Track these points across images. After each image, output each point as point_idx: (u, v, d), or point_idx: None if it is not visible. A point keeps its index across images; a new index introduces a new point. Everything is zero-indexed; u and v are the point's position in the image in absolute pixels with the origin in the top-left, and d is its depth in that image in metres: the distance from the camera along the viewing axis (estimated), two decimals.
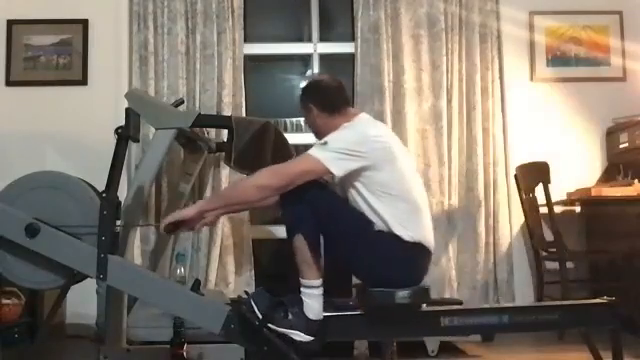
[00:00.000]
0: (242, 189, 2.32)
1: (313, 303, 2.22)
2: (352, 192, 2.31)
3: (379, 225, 2.26)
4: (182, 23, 3.98)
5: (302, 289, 2.24)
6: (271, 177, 2.23)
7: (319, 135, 2.46)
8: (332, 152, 2.23)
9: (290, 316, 2.20)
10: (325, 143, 2.26)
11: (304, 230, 2.22)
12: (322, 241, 2.28)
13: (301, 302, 2.22)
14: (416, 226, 2.29)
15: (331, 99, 2.47)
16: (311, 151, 2.26)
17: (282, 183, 2.21)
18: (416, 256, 2.31)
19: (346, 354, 3.24)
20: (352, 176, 2.26)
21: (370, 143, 2.28)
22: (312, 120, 2.49)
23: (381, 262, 2.26)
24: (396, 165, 2.30)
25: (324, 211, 2.24)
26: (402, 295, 2.23)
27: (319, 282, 2.24)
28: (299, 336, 2.19)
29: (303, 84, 2.63)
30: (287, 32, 4.58)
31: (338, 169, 2.22)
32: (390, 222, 2.25)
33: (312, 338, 2.19)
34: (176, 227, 2.29)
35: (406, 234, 2.25)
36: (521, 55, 4.14)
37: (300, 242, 2.22)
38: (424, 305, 2.39)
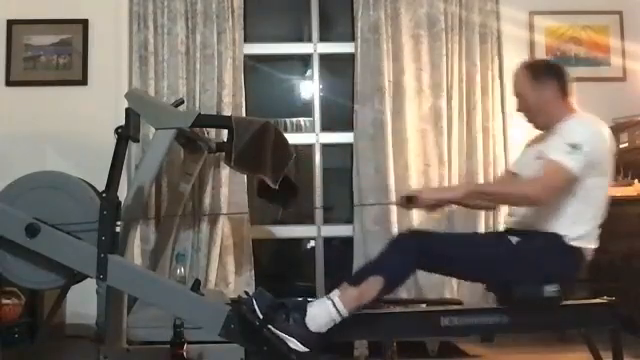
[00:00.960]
0: (515, 195, 2.32)
1: (322, 318, 2.15)
2: None
3: (543, 224, 2.27)
4: (182, 23, 3.97)
5: (325, 300, 2.18)
6: (543, 192, 2.21)
7: (530, 112, 2.46)
8: (582, 157, 2.22)
9: (291, 321, 2.16)
10: (575, 147, 2.22)
11: (390, 279, 2.18)
12: None
13: (304, 310, 2.17)
14: (592, 234, 2.31)
15: (569, 85, 2.47)
16: (565, 160, 2.21)
17: (550, 198, 2.22)
18: (574, 259, 2.31)
19: (346, 354, 3.24)
20: None
21: (603, 143, 2.30)
22: (538, 96, 2.42)
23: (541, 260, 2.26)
24: (605, 170, 2.33)
25: (447, 248, 2.26)
26: (550, 289, 2.25)
27: (347, 313, 2.17)
28: (295, 344, 2.13)
29: (544, 60, 2.68)
30: (287, 32, 4.58)
31: (579, 171, 2.22)
32: (567, 223, 2.26)
33: (307, 350, 2.13)
34: (439, 205, 2.36)
35: (576, 238, 2.26)
36: (521, 55, 4.12)
37: (376, 283, 2.16)
38: (423, 305, 2.38)
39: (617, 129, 3.98)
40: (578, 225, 2.28)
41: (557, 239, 2.26)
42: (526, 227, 2.36)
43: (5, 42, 3.98)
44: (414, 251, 2.20)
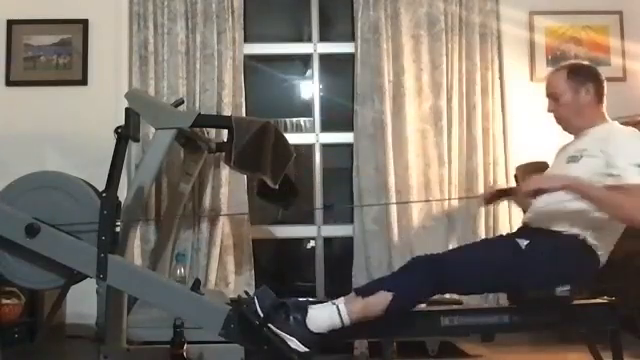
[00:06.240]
0: (630, 207, 2.21)
1: (324, 321, 2.14)
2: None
3: (564, 225, 2.27)
4: (182, 23, 3.97)
5: (329, 304, 2.17)
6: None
7: (565, 118, 2.42)
8: None
9: (291, 320, 2.14)
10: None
11: (400, 297, 2.14)
12: None
13: (305, 310, 2.16)
14: (610, 241, 2.34)
15: (604, 91, 2.43)
16: None
17: None
18: (591, 258, 2.32)
19: (346, 354, 3.24)
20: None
21: None
22: (574, 100, 2.40)
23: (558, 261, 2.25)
24: None
25: (461, 269, 2.21)
26: (562, 289, 2.25)
27: (349, 322, 2.15)
28: (295, 344, 2.11)
29: (578, 63, 2.55)
30: (287, 32, 4.58)
31: None
32: (590, 227, 2.27)
33: (307, 350, 2.12)
34: (537, 194, 2.26)
35: (596, 242, 2.28)
36: (521, 55, 4.14)
37: (383, 298, 2.13)
38: (422, 305, 2.38)
39: None
40: (601, 231, 2.30)
41: (575, 240, 2.26)
42: (541, 225, 2.35)
43: (5, 42, 3.98)
44: (431, 276, 2.17)
